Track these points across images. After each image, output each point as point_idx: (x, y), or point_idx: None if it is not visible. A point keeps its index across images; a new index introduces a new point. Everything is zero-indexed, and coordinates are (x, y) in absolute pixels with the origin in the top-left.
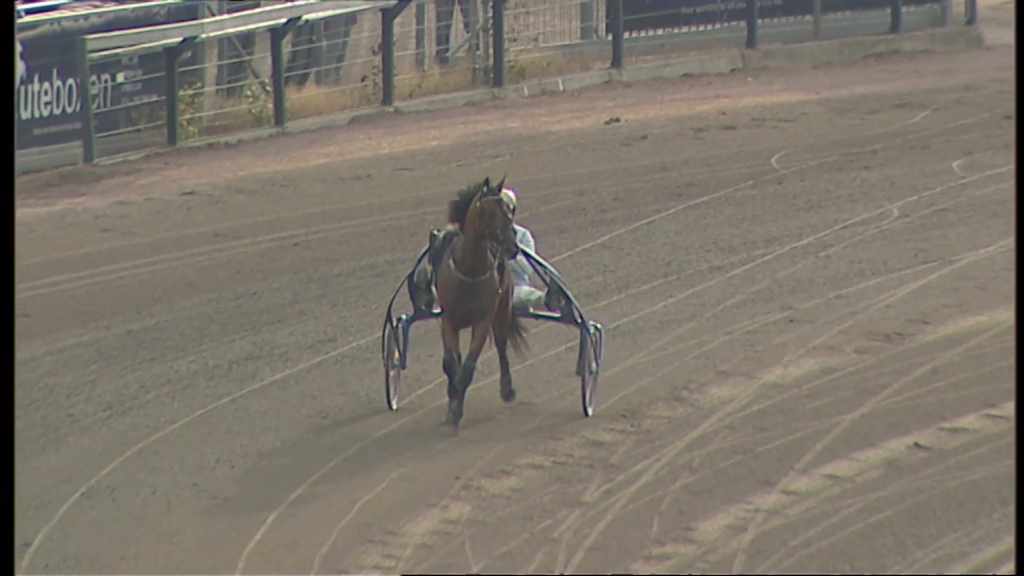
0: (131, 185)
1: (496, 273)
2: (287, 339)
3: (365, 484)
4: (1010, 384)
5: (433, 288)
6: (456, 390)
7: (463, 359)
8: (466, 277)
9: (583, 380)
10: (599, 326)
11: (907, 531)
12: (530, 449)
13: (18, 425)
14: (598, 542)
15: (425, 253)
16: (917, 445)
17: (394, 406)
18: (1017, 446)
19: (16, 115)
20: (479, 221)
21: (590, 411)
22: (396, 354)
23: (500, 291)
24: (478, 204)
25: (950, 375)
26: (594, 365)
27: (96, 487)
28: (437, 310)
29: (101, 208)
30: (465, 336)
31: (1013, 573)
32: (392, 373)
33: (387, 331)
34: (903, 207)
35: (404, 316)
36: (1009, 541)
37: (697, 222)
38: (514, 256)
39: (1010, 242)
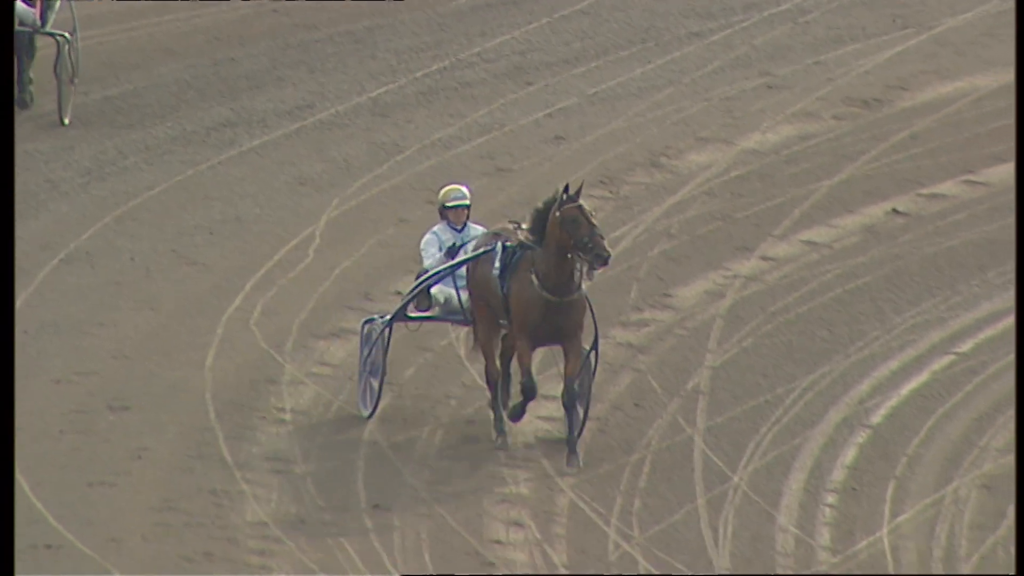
0: None
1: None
2: (265, 105)
3: (344, 251)
4: (988, 149)
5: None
6: (522, 410)
7: (565, 395)
8: (553, 297)
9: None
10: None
11: (885, 297)
12: (507, 215)
13: None
14: None
15: (466, 261)
16: (895, 211)
17: (362, 414)
18: (1017, 445)
19: None
20: (561, 231)
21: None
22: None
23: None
24: (558, 213)
25: (928, 141)
26: (576, 387)
27: (75, 253)
28: (415, 314)
29: None
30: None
31: (1013, 573)
32: (374, 381)
33: (376, 336)
34: None
35: (378, 316)
36: (988, 307)
37: None
38: (606, 263)
39: (990, 7)
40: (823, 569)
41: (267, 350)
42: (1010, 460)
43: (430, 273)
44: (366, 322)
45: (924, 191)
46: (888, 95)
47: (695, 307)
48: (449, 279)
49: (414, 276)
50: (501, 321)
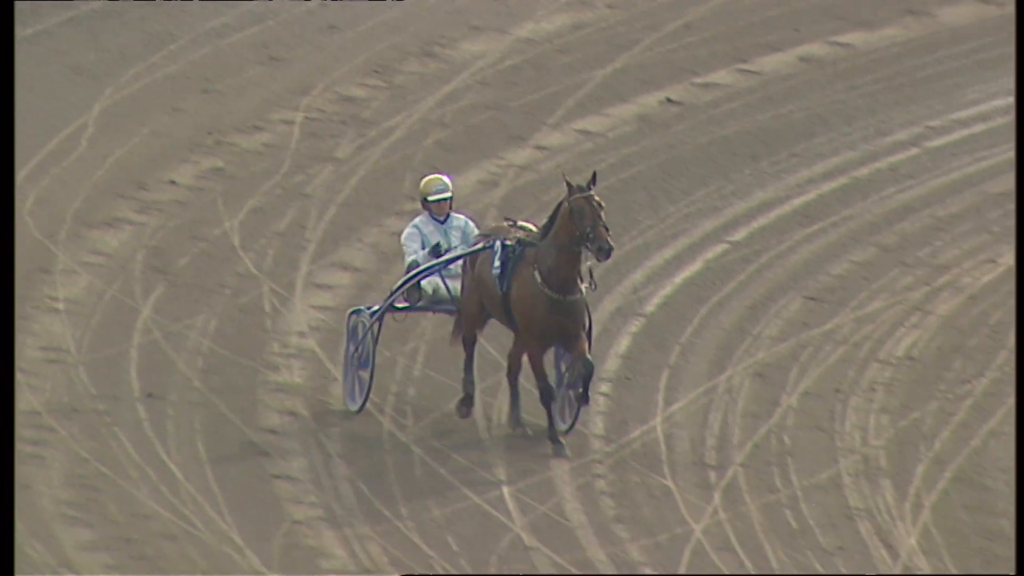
0: None
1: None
2: None
3: (117, 139)
4: (762, 39)
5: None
6: (550, 417)
7: (581, 366)
8: (557, 295)
9: (564, 394)
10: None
11: (659, 186)
12: (282, 104)
13: None
14: (350, 197)
15: (461, 256)
16: (669, 100)
17: (351, 408)
18: (1017, 446)
19: None
20: (569, 222)
21: (563, 426)
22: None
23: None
24: (567, 204)
25: (702, 30)
26: (568, 377)
27: None
28: (402, 304)
29: None
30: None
31: (1014, 574)
32: (363, 374)
33: (365, 328)
34: None
35: (364, 308)
36: (760, 196)
37: None
38: (608, 256)
39: None
40: (597, 458)
41: (40, 240)
42: (783, 348)
43: (421, 268)
44: (352, 313)
45: (698, 80)
46: None
47: (469, 196)
48: (436, 270)
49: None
50: (492, 318)
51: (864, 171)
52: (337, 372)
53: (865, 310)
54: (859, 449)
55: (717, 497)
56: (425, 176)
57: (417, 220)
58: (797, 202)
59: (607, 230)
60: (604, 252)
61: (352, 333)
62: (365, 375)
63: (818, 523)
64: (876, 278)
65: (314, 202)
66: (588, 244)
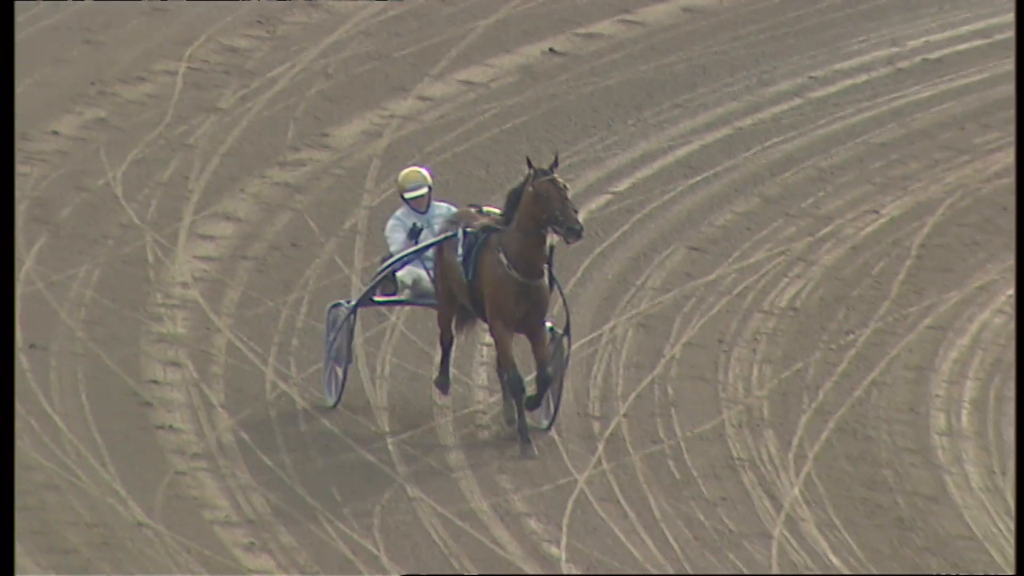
0: None
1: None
2: None
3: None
4: None
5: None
6: (520, 410)
7: (540, 373)
8: (524, 279)
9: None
10: (554, 328)
11: (542, 136)
12: (166, 55)
13: None
14: (233, 148)
15: (429, 245)
16: (552, 50)
17: (329, 403)
18: (1017, 446)
19: None
20: (535, 206)
21: (545, 422)
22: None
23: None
24: (531, 188)
25: None
26: (549, 370)
27: None
28: (381, 298)
29: None
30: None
31: (1013, 574)
32: (339, 369)
33: (340, 320)
34: None
35: (344, 301)
36: (644, 146)
37: None
38: (579, 236)
39: None
40: (481, 408)
41: None
42: (667, 299)
43: (394, 259)
44: (333, 307)
45: (581, 31)
46: None
47: (352, 147)
48: (417, 260)
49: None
50: (464, 304)
51: (747, 121)
52: (220, 322)
53: (748, 261)
54: (742, 399)
55: (601, 447)
56: (402, 170)
57: (399, 212)
58: (680, 153)
59: (576, 211)
60: (575, 233)
61: (331, 325)
62: (340, 370)
63: (701, 474)
64: (759, 228)
65: (197, 153)
66: (557, 227)
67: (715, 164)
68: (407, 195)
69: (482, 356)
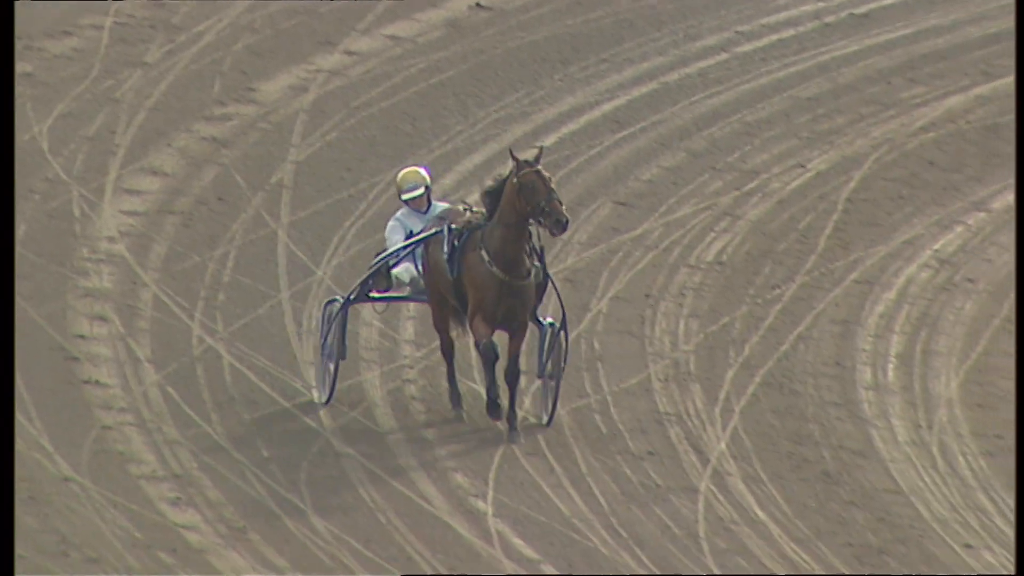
0: None
1: (535, 268)
2: None
3: None
4: None
5: (414, 279)
6: (491, 378)
7: (510, 366)
8: (506, 276)
9: (544, 384)
10: (555, 323)
11: (468, 91)
12: (92, 9)
13: None
14: (160, 102)
15: (416, 242)
16: (479, 5)
17: (319, 399)
18: (1017, 446)
19: None
20: (520, 198)
21: (545, 417)
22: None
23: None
24: (515, 180)
25: None
26: (549, 367)
27: None
28: (376, 294)
29: None
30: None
31: (1013, 574)
32: (331, 365)
33: (335, 315)
34: None
35: (339, 298)
36: (571, 101)
37: None
38: (565, 228)
39: None
40: (408, 363)
41: None
42: (593, 253)
43: (383, 255)
44: (328, 303)
45: None
46: None
47: (278, 101)
48: (412, 257)
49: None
50: (453, 303)
51: (674, 76)
52: (147, 277)
53: (675, 215)
54: (669, 354)
55: (528, 402)
56: (400, 170)
57: (399, 213)
58: (607, 107)
59: (561, 203)
60: (561, 225)
61: (326, 322)
62: (331, 365)
63: (628, 428)
64: (686, 183)
65: (123, 107)
66: (542, 218)
67: (641, 119)
68: (404, 196)
69: (408, 310)
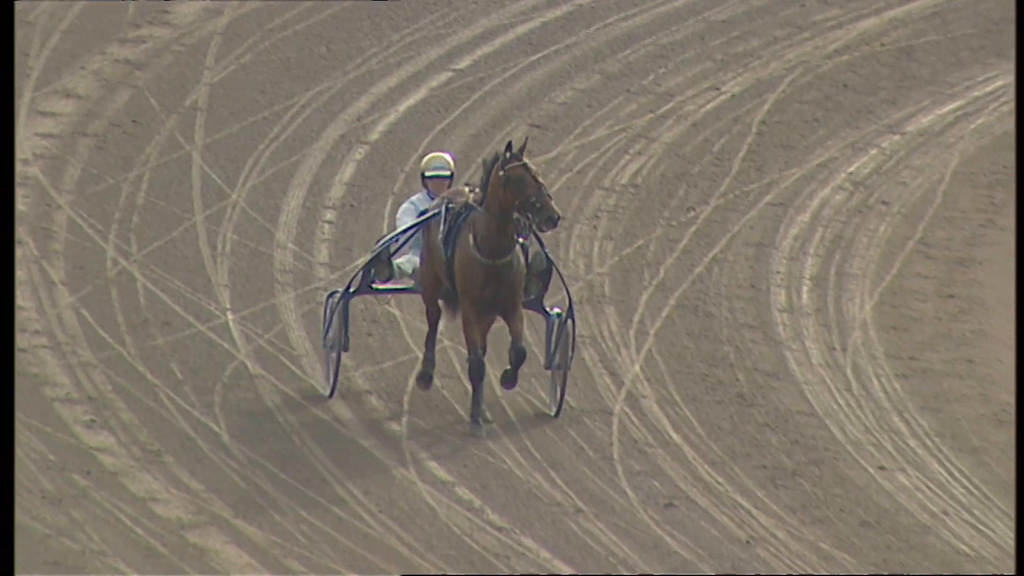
0: None
1: (521, 253)
2: None
3: None
4: None
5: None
6: (477, 395)
7: (513, 350)
8: (488, 260)
9: (552, 375)
10: (562, 313)
11: (383, 13)
12: None
13: None
14: (74, 25)
15: (419, 224)
16: None
17: (327, 391)
18: (1017, 447)
19: None
20: (505, 191)
21: (553, 408)
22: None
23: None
24: (502, 173)
25: None
26: (557, 358)
27: None
28: (380, 286)
29: None
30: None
31: (1013, 574)
32: (333, 356)
33: (337, 306)
34: None
35: (340, 290)
36: (484, 23)
37: None
38: (555, 225)
39: None
40: (322, 286)
41: None
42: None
43: (383, 241)
44: (331, 295)
45: None
46: None
47: (193, 24)
48: (417, 248)
49: None
50: (446, 285)
51: None
52: (61, 199)
53: (589, 138)
54: (583, 276)
55: (442, 325)
56: (428, 153)
57: (415, 197)
58: (521, 29)
59: (551, 198)
60: (552, 222)
61: (329, 314)
62: (334, 355)
63: (542, 350)
64: (600, 106)
65: (37, 30)
66: (532, 214)
67: (556, 41)
68: (428, 173)
69: (323, 233)
